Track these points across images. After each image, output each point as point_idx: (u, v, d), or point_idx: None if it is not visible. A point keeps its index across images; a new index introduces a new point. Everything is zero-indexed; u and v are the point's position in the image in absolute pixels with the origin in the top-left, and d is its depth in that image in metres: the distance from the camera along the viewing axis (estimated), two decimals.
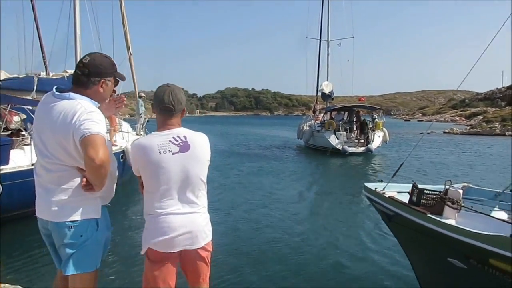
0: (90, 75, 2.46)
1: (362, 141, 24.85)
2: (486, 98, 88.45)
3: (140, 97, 16.64)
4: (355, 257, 7.28)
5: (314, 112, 33.13)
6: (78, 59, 13.12)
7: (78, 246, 2.42)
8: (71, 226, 2.39)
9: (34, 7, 18.53)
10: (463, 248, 4.37)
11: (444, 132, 48.28)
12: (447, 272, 5.23)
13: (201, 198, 2.56)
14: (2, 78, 10.88)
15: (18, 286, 4.11)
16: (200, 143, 2.56)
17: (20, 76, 11.68)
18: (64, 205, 2.38)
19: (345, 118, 26.96)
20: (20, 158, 8.98)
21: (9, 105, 9.44)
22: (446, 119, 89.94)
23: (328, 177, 18.53)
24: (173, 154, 2.43)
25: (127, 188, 11.97)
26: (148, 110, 17.34)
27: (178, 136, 2.49)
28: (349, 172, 19.18)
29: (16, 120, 12.95)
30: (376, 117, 25.88)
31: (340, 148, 23.96)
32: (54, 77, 12.85)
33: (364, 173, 18.48)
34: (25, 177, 8.93)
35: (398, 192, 5.97)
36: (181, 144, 2.46)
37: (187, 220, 2.47)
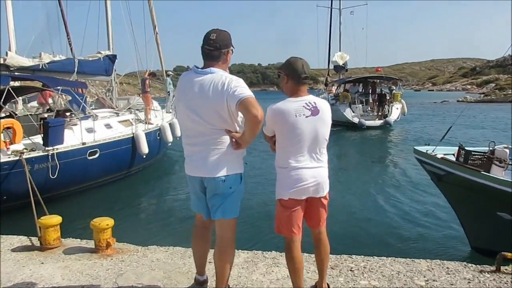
0: (221, 47, 2.90)
1: (380, 113, 24.54)
2: (498, 65, 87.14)
3: (168, 75, 17.00)
4: (405, 218, 7.87)
5: (326, 85, 33.02)
6: (111, 40, 13.52)
7: (227, 196, 2.93)
8: (224, 180, 2.89)
9: None
10: None
11: (458, 101, 48.23)
12: (495, 225, 5.75)
13: (324, 155, 3.05)
14: (47, 61, 11.31)
15: (125, 243, 4.64)
16: (326, 108, 3.03)
17: (62, 59, 12.09)
18: (218, 163, 2.87)
19: (360, 90, 26.65)
20: (70, 138, 9.51)
21: (60, 87, 9.91)
22: (457, 88, 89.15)
23: (348, 152, 18.53)
24: (306, 117, 2.90)
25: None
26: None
27: (309, 102, 2.95)
28: (369, 147, 19.25)
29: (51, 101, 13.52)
30: (394, 88, 25.84)
31: (357, 122, 23.52)
32: (91, 59, 13.28)
33: (386, 147, 18.75)
34: (76, 156, 9.56)
35: (444, 155, 6.43)
36: (312, 109, 2.93)
37: (315, 173, 2.97)
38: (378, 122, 23.98)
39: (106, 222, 4.27)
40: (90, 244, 4.53)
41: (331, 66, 33.68)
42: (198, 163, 2.92)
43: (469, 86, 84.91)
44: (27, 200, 8.27)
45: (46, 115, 11.31)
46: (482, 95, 54.17)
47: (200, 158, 2.90)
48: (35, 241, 4.62)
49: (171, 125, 13.92)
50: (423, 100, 53.13)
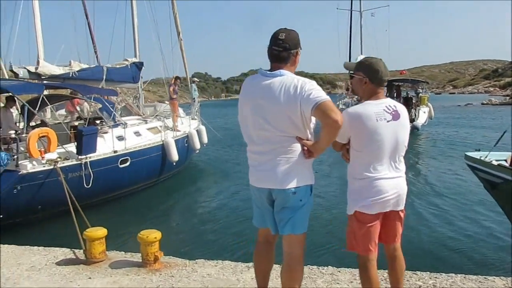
0: (290, 48, 2.68)
1: None
2: None
3: (193, 81, 16.92)
4: (456, 229, 7.50)
5: (347, 89, 32.58)
6: (137, 47, 13.52)
7: (297, 210, 2.70)
8: (294, 192, 2.65)
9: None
10: None
11: (482, 104, 47.09)
12: None
13: (402, 164, 2.80)
14: (76, 70, 11.33)
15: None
16: (405, 112, 2.79)
17: (91, 67, 12.12)
18: (289, 173, 2.64)
19: (384, 94, 26.25)
20: (102, 146, 9.44)
21: (92, 95, 9.88)
22: (480, 91, 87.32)
23: None
24: (387, 121, 2.65)
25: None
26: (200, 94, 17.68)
27: (389, 106, 2.71)
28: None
29: (86, 109, 13.55)
30: (421, 91, 25.22)
31: None
32: (118, 66, 13.27)
33: (418, 153, 18.03)
34: (108, 164, 9.48)
35: (496, 160, 6.08)
36: (393, 112, 2.68)
37: (395, 184, 2.72)
38: None
39: (154, 235, 4.09)
40: (136, 257, 4.36)
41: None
42: (266, 173, 2.70)
43: (491, 89, 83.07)
44: (61, 209, 8.27)
45: (76, 123, 11.32)
46: (508, 97, 52.74)
47: (269, 168, 2.68)
48: (79, 254, 4.47)
49: (198, 132, 13.80)
50: (446, 103, 52.05)
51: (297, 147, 2.65)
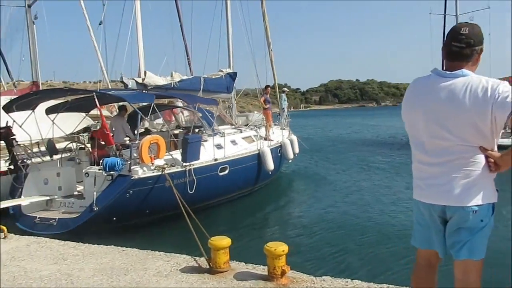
0: (475, 44, 2.32)
1: None
2: None
3: (283, 91, 16.86)
4: None
5: None
6: (231, 58, 13.80)
7: (476, 232, 2.31)
8: (475, 211, 2.28)
9: (179, 14, 20.02)
10: None
11: None
12: None
13: None
14: (177, 80, 11.79)
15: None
16: None
17: (190, 77, 12.56)
18: (469, 188, 2.27)
19: None
20: (202, 154, 9.60)
21: (197, 104, 10.16)
22: None
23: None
24: None
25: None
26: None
27: None
28: None
29: (182, 118, 14.08)
30: None
31: None
32: (214, 77, 13.64)
33: None
34: (209, 172, 9.62)
35: None
36: None
37: None
38: None
39: (282, 248, 3.88)
40: (258, 269, 4.19)
41: None
42: (440, 188, 2.34)
43: None
44: (166, 214, 8.52)
45: (176, 132, 11.74)
46: None
47: (444, 182, 2.32)
48: (200, 261, 4.41)
49: (291, 142, 13.66)
50: None
51: (481, 158, 2.27)
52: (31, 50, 17.51)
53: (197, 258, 4.54)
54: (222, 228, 8.19)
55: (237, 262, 4.51)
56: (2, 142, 9.07)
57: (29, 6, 17.36)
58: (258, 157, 11.39)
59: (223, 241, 4.17)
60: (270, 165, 11.50)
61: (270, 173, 11.80)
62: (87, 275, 4.23)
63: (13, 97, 10.84)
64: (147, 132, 10.82)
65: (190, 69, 19.60)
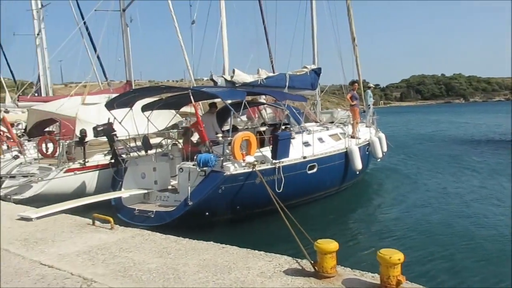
0: None
1: None
2: None
3: (368, 87, 16.20)
4: None
5: None
6: (316, 54, 13.49)
7: None
8: None
9: (262, 13, 20.14)
10: None
11: None
12: None
13: None
14: (264, 77, 11.78)
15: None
16: None
17: (275, 74, 12.50)
18: None
19: None
20: (291, 151, 9.42)
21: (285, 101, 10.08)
22: None
23: None
24: None
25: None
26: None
27: None
28: None
29: (265, 115, 14.09)
30: None
31: None
32: (298, 74, 13.44)
33: None
34: (298, 169, 9.45)
35: None
36: None
37: None
38: None
39: (397, 256, 3.58)
40: (367, 276, 3.93)
41: None
42: None
43: None
44: (255, 211, 8.52)
45: (262, 129, 11.74)
46: None
47: None
48: (303, 264, 4.25)
49: (379, 140, 13.06)
50: None
51: None
52: (125, 51, 18.70)
53: (299, 260, 4.38)
54: (315, 228, 8.01)
55: (343, 267, 4.28)
56: (104, 137, 9.69)
57: (124, 10, 18.55)
58: (346, 156, 11.02)
59: (330, 244, 3.96)
60: (358, 164, 11.08)
61: (357, 172, 11.37)
62: (192, 270, 4.27)
63: (113, 95, 11.59)
64: (234, 129, 10.93)
65: (272, 66, 19.69)
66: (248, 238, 7.02)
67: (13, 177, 10.44)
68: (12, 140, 12.61)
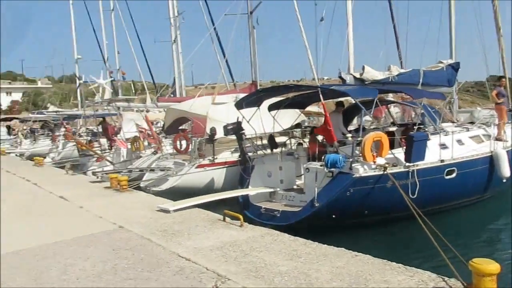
0: None
1: None
2: None
3: None
4: None
5: None
6: (454, 47, 12.14)
7: None
8: None
9: (392, 11, 19.10)
10: None
11: None
12: None
13: None
14: (395, 74, 11.05)
15: None
16: None
17: (408, 70, 11.66)
18: None
19: None
20: (426, 154, 8.60)
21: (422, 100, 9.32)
22: None
23: None
24: None
25: None
26: None
27: None
28: None
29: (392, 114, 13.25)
30: None
31: None
32: (433, 69, 12.32)
33: None
34: (434, 174, 8.59)
35: None
36: None
37: None
38: None
39: (492, 266, 3.05)
40: None
41: None
42: None
43: None
44: (384, 217, 7.98)
45: (391, 129, 11.02)
46: None
47: None
48: (452, 284, 3.72)
49: None
50: None
51: None
52: (251, 53, 19.34)
53: (447, 279, 3.86)
54: (458, 241, 7.17)
55: None
56: (233, 135, 10.05)
57: (251, 12, 19.18)
58: (491, 160, 9.73)
59: (490, 265, 3.39)
60: (506, 170, 9.70)
61: (504, 180, 9.94)
62: (325, 278, 4.04)
63: (240, 95, 11.99)
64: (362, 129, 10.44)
65: (401, 62, 18.52)
66: (379, 247, 6.56)
67: (152, 170, 11.47)
68: (152, 137, 13.93)
